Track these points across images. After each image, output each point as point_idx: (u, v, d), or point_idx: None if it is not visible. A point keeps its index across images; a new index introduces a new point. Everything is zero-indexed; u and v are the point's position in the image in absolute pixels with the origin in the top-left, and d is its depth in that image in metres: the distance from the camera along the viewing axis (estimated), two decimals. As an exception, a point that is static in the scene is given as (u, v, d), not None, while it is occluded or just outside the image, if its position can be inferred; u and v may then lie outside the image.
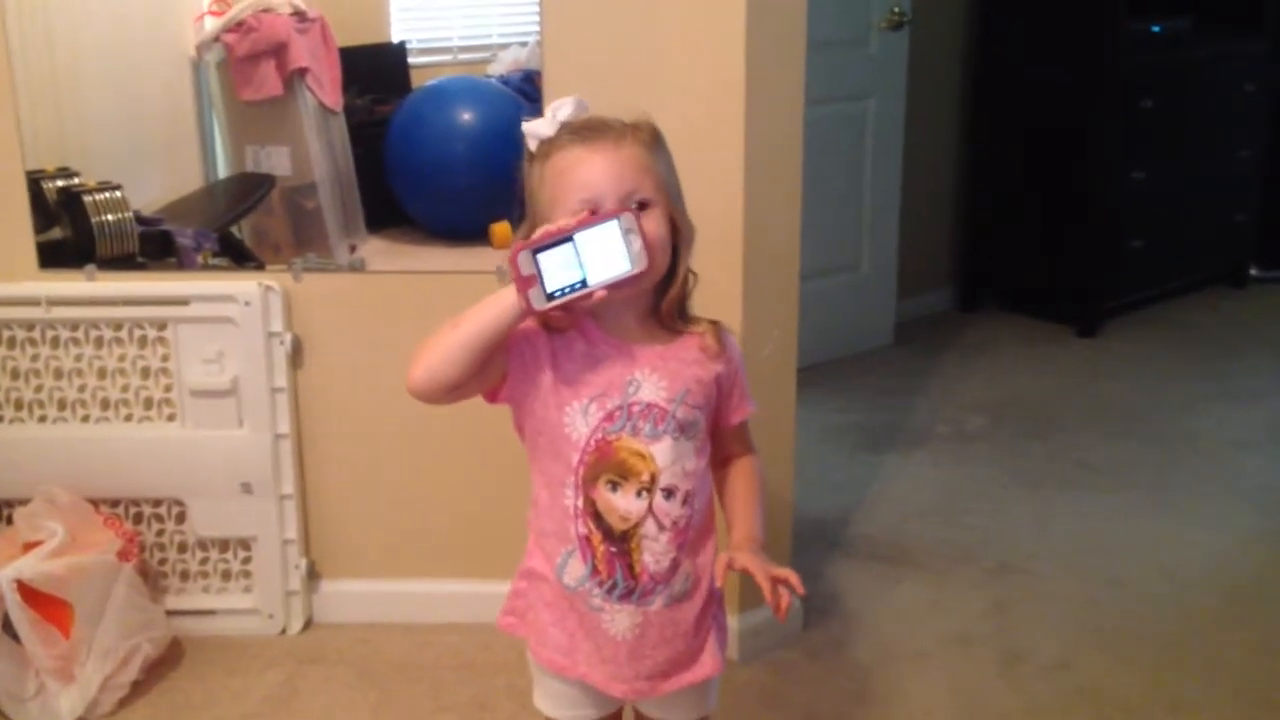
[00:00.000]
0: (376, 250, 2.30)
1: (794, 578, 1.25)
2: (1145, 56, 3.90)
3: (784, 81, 2.05)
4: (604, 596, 1.30)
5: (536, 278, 1.19)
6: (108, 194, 2.21)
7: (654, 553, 1.29)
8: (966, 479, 3.03)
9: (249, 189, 2.32)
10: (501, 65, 2.25)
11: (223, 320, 2.21)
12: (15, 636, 2.03)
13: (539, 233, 1.20)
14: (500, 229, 2.17)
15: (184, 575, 2.34)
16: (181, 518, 2.31)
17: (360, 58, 2.28)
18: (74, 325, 2.23)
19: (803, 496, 2.47)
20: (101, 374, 2.25)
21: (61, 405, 2.26)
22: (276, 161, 2.29)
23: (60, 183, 2.21)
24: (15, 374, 2.25)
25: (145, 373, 2.25)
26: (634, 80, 2.02)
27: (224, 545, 2.32)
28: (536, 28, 2.08)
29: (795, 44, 2.05)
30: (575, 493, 1.29)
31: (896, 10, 3.65)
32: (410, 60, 2.30)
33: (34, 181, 2.19)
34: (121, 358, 2.24)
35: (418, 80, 2.32)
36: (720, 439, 1.39)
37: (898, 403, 3.53)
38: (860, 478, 3.04)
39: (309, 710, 2.11)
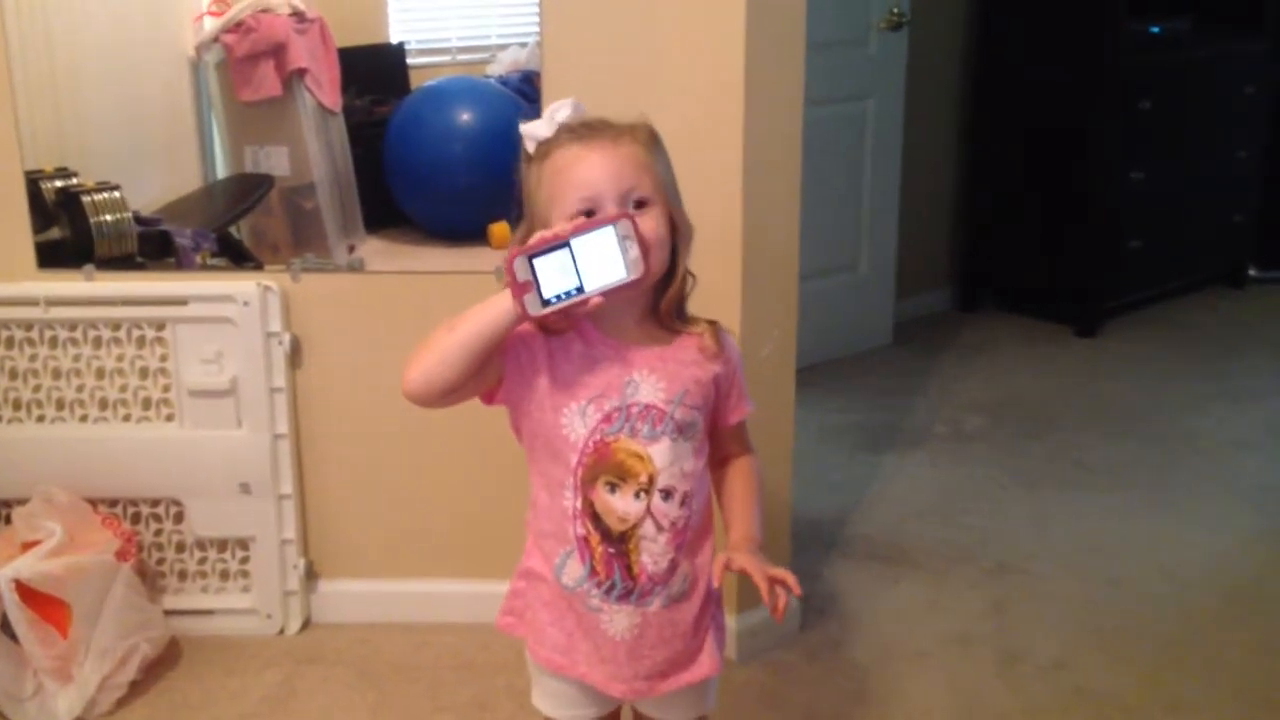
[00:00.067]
0: (375, 250, 2.30)
1: (791, 578, 1.24)
2: (1145, 57, 3.90)
3: (783, 82, 2.05)
4: (602, 597, 1.31)
5: (532, 283, 1.19)
6: (106, 194, 2.21)
7: (652, 554, 1.29)
8: (965, 479, 3.03)
9: (248, 189, 2.32)
10: (500, 66, 2.25)
11: (221, 320, 2.21)
12: (13, 636, 2.03)
13: (535, 238, 1.20)
14: (499, 229, 2.17)
15: (182, 575, 2.34)
16: (180, 518, 2.31)
17: (359, 58, 2.28)
18: (72, 325, 2.23)
19: (801, 496, 2.47)
20: (100, 374, 2.25)
21: (60, 405, 2.26)
22: (275, 162, 2.29)
23: (59, 183, 2.21)
24: (14, 374, 2.25)
25: (144, 373, 2.25)
26: (633, 80, 2.02)
27: (222, 545, 2.32)
28: (536, 28, 2.08)
29: (795, 44, 2.05)
30: (574, 494, 1.29)
31: (896, 11, 3.65)
32: (409, 61, 2.30)
33: (32, 181, 2.19)
34: (120, 358, 2.24)
35: (416, 81, 2.32)
36: (718, 439, 1.39)
37: (896, 403, 3.53)
38: (859, 478, 3.04)
39: (307, 710, 2.11)
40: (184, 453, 2.25)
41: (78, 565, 2.08)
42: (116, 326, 2.23)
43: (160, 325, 2.23)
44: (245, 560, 2.32)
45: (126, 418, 2.26)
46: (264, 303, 2.20)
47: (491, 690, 2.15)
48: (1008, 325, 4.19)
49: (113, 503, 2.29)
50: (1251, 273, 4.56)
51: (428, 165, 2.31)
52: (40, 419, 2.27)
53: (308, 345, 2.26)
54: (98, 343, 2.24)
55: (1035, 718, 2.08)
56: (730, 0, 1.95)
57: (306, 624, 2.36)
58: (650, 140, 1.29)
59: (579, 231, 1.19)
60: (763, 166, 2.05)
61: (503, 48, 2.26)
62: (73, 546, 2.12)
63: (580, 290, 1.20)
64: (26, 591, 2.02)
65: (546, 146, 1.27)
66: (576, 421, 1.27)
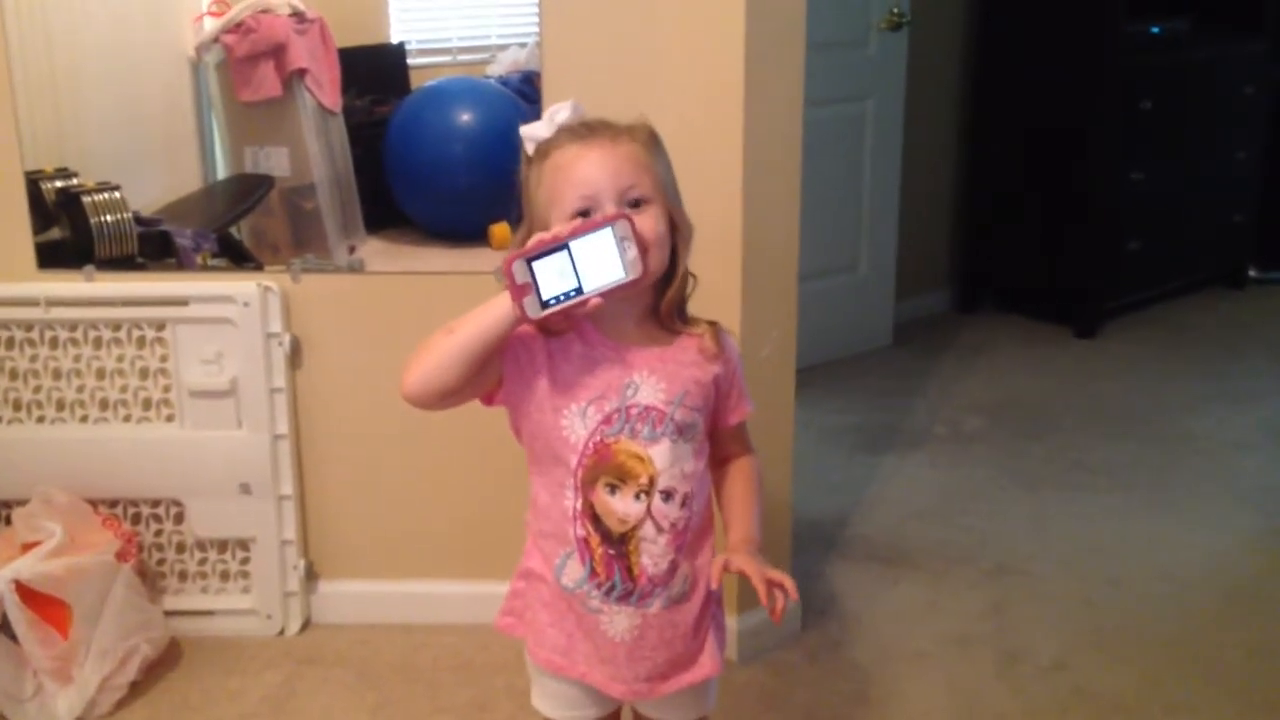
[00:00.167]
0: (375, 251, 2.30)
1: (788, 582, 1.25)
2: (1145, 57, 3.90)
3: (783, 82, 2.05)
4: (602, 598, 1.31)
5: (531, 286, 1.19)
6: (106, 194, 2.21)
7: (652, 555, 1.29)
8: (964, 480, 3.03)
9: (248, 190, 2.32)
10: (500, 66, 2.25)
11: (221, 321, 2.21)
12: (13, 637, 2.03)
13: (533, 241, 1.20)
14: (499, 230, 2.17)
15: (182, 576, 2.34)
16: (180, 518, 2.31)
17: (359, 58, 2.28)
18: (73, 326, 2.23)
19: (801, 497, 2.47)
20: (100, 374, 2.25)
21: (60, 406, 2.26)
22: (275, 162, 2.29)
23: (59, 183, 2.21)
24: (14, 374, 2.25)
25: (144, 373, 2.25)
26: (633, 81, 2.02)
27: (222, 546, 2.32)
28: (536, 28, 2.08)
29: (794, 45, 2.05)
30: (574, 495, 1.29)
31: (895, 11, 3.65)
32: (409, 61, 2.30)
33: (33, 182, 2.19)
34: (120, 358, 2.24)
35: (417, 81, 2.32)
36: (718, 440, 1.39)
37: (896, 404, 3.53)
38: (858, 479, 3.04)
39: (307, 711, 2.11)
40: (184, 453, 2.25)
41: (78, 566, 2.08)
42: (117, 327, 2.23)
43: (160, 326, 2.23)
44: (245, 561, 2.32)
45: (127, 418, 2.26)
46: (264, 303, 2.20)
47: (491, 691, 2.15)
48: (1007, 326, 4.19)
49: (113, 503, 2.29)
50: (1251, 273, 4.56)
51: (428, 166, 2.31)
52: (40, 419, 2.27)
53: (308, 346, 2.26)
54: (98, 343, 2.24)
55: (1035, 718, 2.08)
56: (730, 1, 1.95)
57: (306, 625, 2.36)
58: (650, 140, 1.29)
59: (577, 233, 1.19)
60: (762, 167, 2.05)
61: (503, 48, 2.26)
62: (73, 547, 2.12)
63: (579, 291, 1.20)
64: (26, 592, 2.02)
65: (546, 147, 1.28)
66: (577, 423, 1.27)
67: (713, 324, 1.35)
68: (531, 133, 1.29)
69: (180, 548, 2.33)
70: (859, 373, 3.79)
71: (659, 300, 1.31)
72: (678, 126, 1.43)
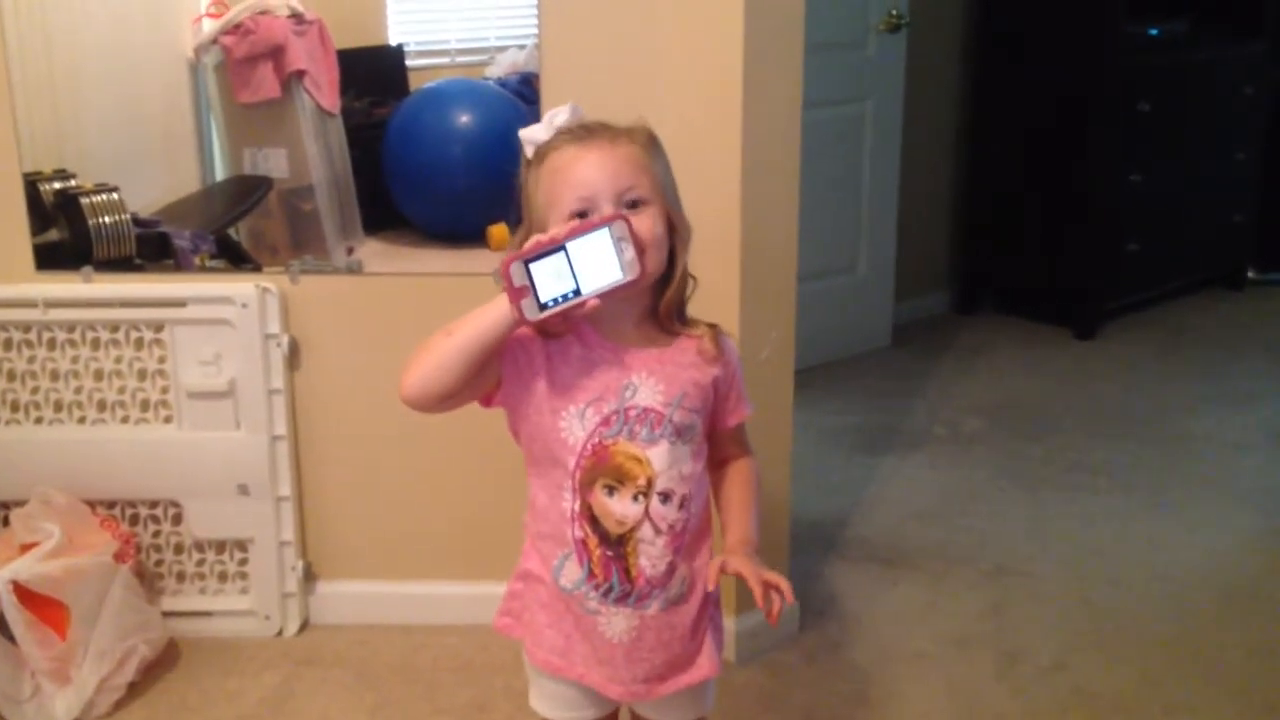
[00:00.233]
0: (374, 252, 2.30)
1: (784, 584, 1.25)
2: (1144, 58, 3.90)
3: (782, 83, 2.05)
4: (600, 599, 1.30)
5: (529, 288, 1.19)
6: (105, 196, 2.21)
7: (650, 556, 1.29)
8: (964, 481, 3.03)
9: (246, 191, 2.32)
10: (499, 68, 2.25)
11: (220, 322, 2.21)
12: (11, 638, 2.03)
13: (530, 243, 1.20)
14: (498, 231, 2.17)
15: (180, 577, 2.33)
16: (178, 519, 2.30)
17: (358, 60, 2.28)
18: (71, 327, 2.23)
19: (800, 498, 2.47)
20: (98, 376, 2.25)
21: (58, 407, 2.26)
22: (274, 164, 2.29)
23: (57, 184, 2.21)
24: (12, 376, 2.25)
25: (142, 374, 2.25)
26: (632, 82, 2.02)
27: (221, 547, 2.32)
28: (534, 30, 2.08)
29: (793, 46, 2.05)
30: (572, 496, 1.29)
31: (894, 12, 3.65)
32: (408, 63, 2.30)
33: (31, 183, 2.19)
34: (118, 359, 2.24)
35: (415, 83, 2.32)
36: (717, 441, 1.39)
37: (895, 405, 3.53)
38: (857, 480, 3.04)
39: (306, 712, 2.11)
40: (182, 454, 2.25)
41: (76, 567, 2.08)
42: (115, 328, 2.23)
43: (159, 327, 2.23)
44: (244, 562, 2.32)
45: (125, 419, 2.26)
46: (262, 304, 2.20)
47: (490, 692, 2.15)
48: (1007, 327, 4.19)
49: (111, 504, 2.29)
50: (1251, 274, 4.57)
51: (426, 167, 2.31)
52: (39, 421, 2.27)
53: (306, 347, 2.26)
54: (96, 344, 2.23)
55: (1034, 718, 2.08)
56: (729, 1, 1.95)
57: (305, 625, 2.36)
58: (648, 142, 1.29)
59: (573, 234, 1.19)
60: (761, 168, 2.05)
61: (502, 50, 2.26)
62: (71, 548, 2.12)
63: (577, 293, 1.20)
64: (25, 593, 2.01)
65: (544, 149, 1.28)
66: (575, 424, 1.27)
67: (713, 326, 1.35)
68: (531, 136, 1.29)
69: (178, 549, 2.32)
70: (858, 374, 3.79)
71: (658, 302, 1.31)
72: (677, 127, 1.43)
